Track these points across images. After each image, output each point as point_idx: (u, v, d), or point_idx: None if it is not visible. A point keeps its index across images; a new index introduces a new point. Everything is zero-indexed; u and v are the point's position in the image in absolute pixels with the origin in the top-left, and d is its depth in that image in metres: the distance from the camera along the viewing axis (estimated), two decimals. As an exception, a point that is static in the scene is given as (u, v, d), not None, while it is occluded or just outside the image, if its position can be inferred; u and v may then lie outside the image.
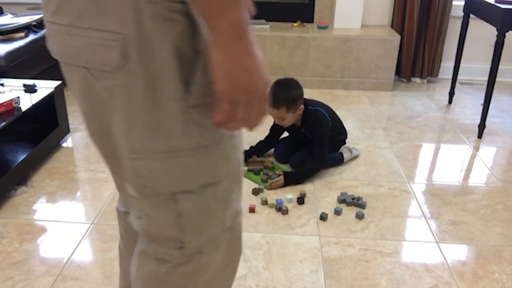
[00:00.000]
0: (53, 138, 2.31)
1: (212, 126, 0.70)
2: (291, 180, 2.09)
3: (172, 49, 0.65)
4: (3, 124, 1.93)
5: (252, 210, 1.88)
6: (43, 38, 2.96)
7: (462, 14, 2.91)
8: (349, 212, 1.90)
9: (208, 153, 0.75)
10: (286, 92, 2.06)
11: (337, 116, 2.33)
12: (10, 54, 2.61)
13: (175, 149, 0.72)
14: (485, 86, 2.54)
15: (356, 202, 1.93)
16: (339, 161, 2.28)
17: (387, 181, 2.15)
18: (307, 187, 2.06)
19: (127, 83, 0.67)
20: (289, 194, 1.96)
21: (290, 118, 2.12)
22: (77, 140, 2.49)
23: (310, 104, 2.20)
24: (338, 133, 2.33)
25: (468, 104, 3.13)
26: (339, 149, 2.31)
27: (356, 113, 2.93)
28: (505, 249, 1.71)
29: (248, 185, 2.06)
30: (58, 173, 2.15)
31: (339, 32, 3.25)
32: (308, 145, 2.19)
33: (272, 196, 1.99)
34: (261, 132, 2.29)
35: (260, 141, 2.34)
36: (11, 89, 2.23)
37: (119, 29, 0.64)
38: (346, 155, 2.29)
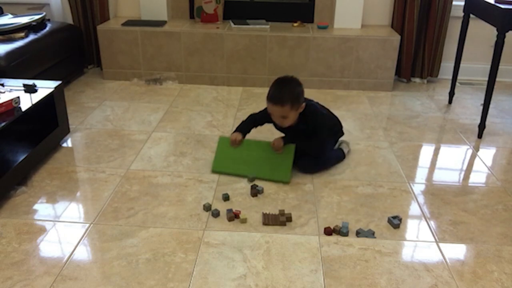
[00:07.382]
0: (53, 138, 2.31)
1: None
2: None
3: None
4: (3, 124, 1.93)
5: (237, 216, 1.79)
6: (43, 38, 2.96)
7: (462, 14, 2.91)
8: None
9: None
10: (290, 88, 2.03)
11: (326, 108, 2.33)
12: (10, 54, 2.61)
13: None
14: (485, 86, 2.54)
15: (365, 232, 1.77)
16: (341, 157, 2.30)
17: (387, 181, 2.15)
18: (307, 187, 2.06)
19: None
20: (259, 186, 2.00)
21: (292, 116, 2.06)
22: (77, 140, 2.49)
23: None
24: (333, 124, 2.34)
25: (468, 104, 3.13)
26: (336, 142, 2.34)
27: (356, 113, 2.93)
28: (505, 248, 1.71)
29: (245, 188, 2.06)
30: (58, 173, 2.15)
31: (339, 32, 3.25)
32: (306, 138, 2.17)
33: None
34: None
35: (251, 116, 2.27)
36: (11, 89, 2.23)
37: None
38: (346, 150, 2.33)
